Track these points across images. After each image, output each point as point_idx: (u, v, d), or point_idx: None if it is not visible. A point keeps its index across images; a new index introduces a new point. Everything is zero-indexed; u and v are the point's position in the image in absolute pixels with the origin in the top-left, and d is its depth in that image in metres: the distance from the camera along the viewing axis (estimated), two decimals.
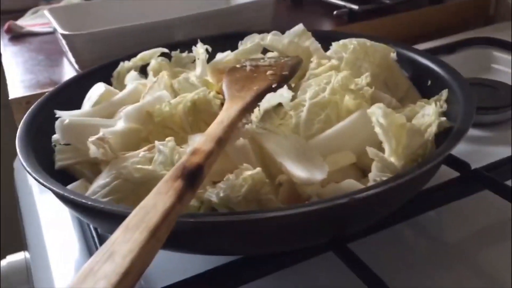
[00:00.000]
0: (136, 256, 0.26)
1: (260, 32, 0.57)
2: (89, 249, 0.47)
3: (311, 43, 0.53)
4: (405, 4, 0.90)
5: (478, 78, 0.69)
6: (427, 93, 0.52)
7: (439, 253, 0.45)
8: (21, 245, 0.62)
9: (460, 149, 0.41)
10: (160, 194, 0.30)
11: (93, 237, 0.46)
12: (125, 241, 0.27)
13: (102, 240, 0.45)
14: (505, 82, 0.67)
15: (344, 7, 0.88)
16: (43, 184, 0.38)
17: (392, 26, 0.87)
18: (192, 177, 0.31)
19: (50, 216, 0.53)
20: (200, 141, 0.35)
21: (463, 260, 0.44)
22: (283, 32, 0.56)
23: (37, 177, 0.38)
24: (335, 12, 0.88)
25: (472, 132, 0.62)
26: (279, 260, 0.40)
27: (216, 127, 0.37)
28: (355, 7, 0.87)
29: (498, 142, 0.60)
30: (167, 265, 0.43)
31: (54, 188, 0.37)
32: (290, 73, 0.48)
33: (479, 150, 0.59)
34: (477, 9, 0.94)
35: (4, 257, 0.59)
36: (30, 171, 0.39)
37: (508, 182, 0.47)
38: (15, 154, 0.69)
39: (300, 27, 0.54)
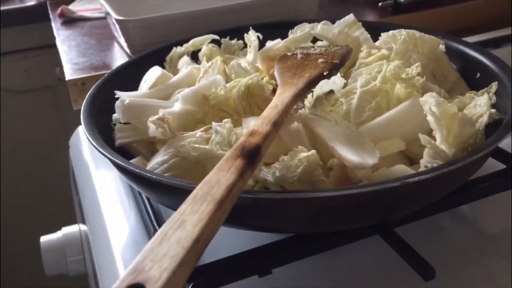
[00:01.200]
0: (205, 225, 0.28)
1: (309, 21, 0.59)
2: (144, 221, 0.49)
3: (361, 33, 0.54)
4: None
5: None
6: (475, 86, 0.52)
7: (478, 243, 0.46)
8: (74, 218, 0.65)
9: (506, 142, 0.42)
10: (223, 171, 0.32)
11: (147, 211, 0.48)
12: (194, 211, 0.29)
13: (156, 213, 0.47)
14: None
15: None
16: (110, 159, 0.41)
17: (437, 18, 0.87)
18: (252, 156, 0.33)
19: (106, 191, 0.56)
20: (256, 124, 0.37)
21: (501, 251, 0.45)
22: (332, 22, 0.57)
23: (105, 153, 0.41)
24: (380, 4, 0.88)
25: None
26: (327, 241, 0.41)
27: (271, 111, 0.39)
28: None
29: None
30: (217, 240, 0.45)
31: (121, 163, 0.40)
32: (341, 61, 0.49)
33: None
34: None
35: (60, 229, 0.63)
36: (97, 147, 0.42)
37: None
38: (68, 133, 0.73)
39: (350, 17, 0.55)
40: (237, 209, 0.33)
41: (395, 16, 0.86)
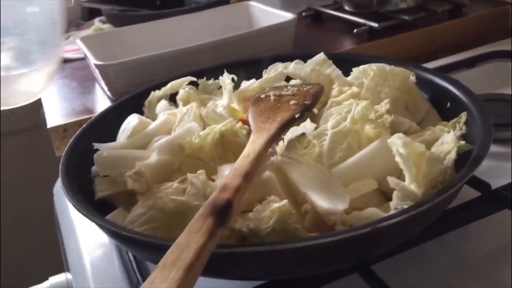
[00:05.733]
0: None
1: (283, 58, 0.60)
2: (128, 272, 0.50)
3: (332, 70, 0.55)
4: (425, 20, 0.91)
5: (497, 94, 0.71)
6: (447, 115, 0.53)
7: (462, 270, 0.46)
8: (62, 267, 0.66)
9: (481, 167, 0.42)
10: (193, 232, 0.32)
11: (130, 261, 0.49)
12: (163, 279, 0.29)
13: (139, 263, 0.48)
14: None
15: (364, 25, 0.90)
16: (86, 216, 0.41)
17: (412, 41, 0.89)
18: (222, 213, 0.34)
19: (89, 240, 0.57)
20: (228, 176, 0.38)
21: (486, 277, 0.45)
22: (305, 58, 0.59)
23: (81, 210, 0.41)
24: (355, 31, 0.90)
25: (493, 148, 0.63)
26: (304, 283, 0.42)
27: (243, 161, 0.40)
28: (374, 24, 0.89)
29: None
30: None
31: (97, 220, 0.41)
32: (312, 101, 0.50)
33: (499, 166, 0.60)
34: (496, 21, 0.95)
35: (47, 279, 0.63)
36: (74, 203, 0.42)
37: None
38: (54, 179, 0.73)
39: (321, 55, 0.56)
40: (210, 262, 0.34)
41: (370, 42, 0.88)
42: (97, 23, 1.15)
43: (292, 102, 0.49)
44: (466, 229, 0.49)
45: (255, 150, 0.41)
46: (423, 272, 0.46)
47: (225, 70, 0.58)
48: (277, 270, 0.39)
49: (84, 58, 0.97)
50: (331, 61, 0.56)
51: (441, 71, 0.74)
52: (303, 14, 1.06)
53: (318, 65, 0.56)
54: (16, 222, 1.26)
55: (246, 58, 0.71)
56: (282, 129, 0.46)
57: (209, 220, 0.33)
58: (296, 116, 0.47)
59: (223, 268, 0.38)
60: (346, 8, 1.00)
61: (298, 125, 0.44)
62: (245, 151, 0.42)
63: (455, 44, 0.90)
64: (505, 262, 0.46)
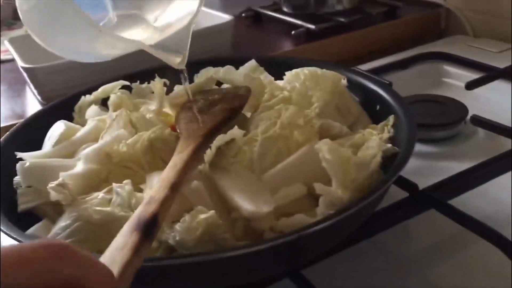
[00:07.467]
0: None
1: (218, 62, 0.60)
2: None
3: (264, 77, 0.55)
4: (360, 22, 0.93)
5: (428, 95, 0.73)
6: (377, 117, 0.54)
7: (394, 269, 0.48)
8: None
9: (412, 165, 0.44)
10: (117, 249, 0.31)
11: None
12: None
13: None
14: (455, 98, 0.70)
15: (302, 26, 0.91)
16: (4, 232, 0.39)
17: (348, 43, 0.90)
18: (148, 228, 0.33)
19: None
20: (155, 188, 0.37)
21: (417, 275, 0.47)
22: (241, 61, 0.58)
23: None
24: (293, 32, 0.90)
25: (423, 148, 0.65)
26: None
27: (169, 172, 0.39)
28: (312, 26, 0.90)
29: (447, 157, 0.64)
30: None
31: (15, 236, 0.39)
32: (240, 104, 0.50)
33: (430, 165, 0.62)
34: (429, 23, 0.98)
35: None
36: None
37: (454, 200, 0.50)
38: None
39: (252, 62, 0.56)
40: (139, 276, 0.33)
41: (308, 43, 0.88)
42: None
43: (218, 107, 0.49)
44: (395, 228, 0.51)
45: (182, 159, 0.41)
46: (355, 272, 0.47)
47: (156, 75, 0.57)
48: (206, 281, 0.38)
49: (14, 60, 0.92)
50: (262, 68, 0.56)
51: (376, 72, 0.76)
52: (243, 14, 1.06)
53: (250, 71, 0.56)
54: None
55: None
56: (209, 136, 0.45)
57: (134, 235, 0.32)
58: (223, 121, 0.47)
59: (151, 282, 0.37)
60: (285, 9, 1.00)
61: (226, 132, 0.44)
62: (172, 161, 0.41)
63: (390, 45, 0.92)
64: (435, 260, 0.48)
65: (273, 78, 0.56)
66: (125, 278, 0.30)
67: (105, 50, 0.47)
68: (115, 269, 0.30)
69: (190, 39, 0.47)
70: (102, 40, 0.42)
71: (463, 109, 0.67)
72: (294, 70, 0.56)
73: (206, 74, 0.57)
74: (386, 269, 0.48)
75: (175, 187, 0.37)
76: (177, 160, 0.40)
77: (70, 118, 0.58)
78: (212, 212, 0.37)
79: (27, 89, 0.83)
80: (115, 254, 0.31)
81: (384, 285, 0.46)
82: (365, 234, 0.48)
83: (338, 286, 0.46)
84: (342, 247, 0.47)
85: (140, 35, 0.49)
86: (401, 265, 0.48)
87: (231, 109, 0.48)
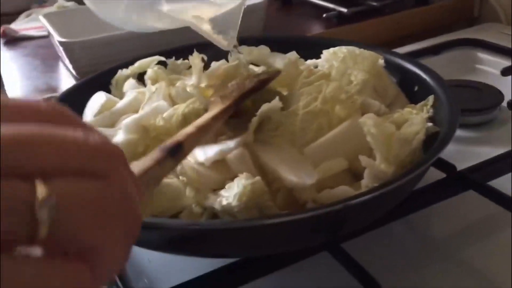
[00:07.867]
0: None
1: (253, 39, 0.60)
2: None
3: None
4: (392, 6, 0.92)
5: (463, 80, 0.72)
6: (414, 98, 0.54)
7: (427, 249, 0.48)
8: None
9: (447, 150, 0.44)
10: (142, 160, 0.30)
11: None
12: None
13: None
14: (489, 84, 0.70)
15: (333, 9, 0.91)
16: None
17: (379, 27, 0.90)
18: (172, 150, 0.32)
19: None
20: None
21: (450, 256, 0.47)
22: (274, 41, 0.58)
23: None
24: (324, 15, 0.90)
25: (459, 133, 0.65)
26: (277, 260, 0.42)
27: (198, 119, 0.39)
28: (343, 9, 0.89)
29: (482, 142, 0.63)
30: (171, 267, 0.45)
31: None
32: (269, 78, 0.49)
33: (465, 150, 0.62)
34: (461, 10, 0.97)
35: None
36: None
37: (492, 182, 0.50)
38: None
39: (293, 53, 0.56)
40: (185, 239, 0.33)
41: (339, 26, 0.88)
42: (60, 0, 1.12)
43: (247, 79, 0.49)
44: (431, 209, 0.51)
45: (210, 113, 0.41)
46: (390, 250, 0.47)
47: (194, 50, 0.57)
48: (248, 248, 0.39)
49: (47, 36, 0.93)
50: (302, 60, 0.56)
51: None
52: None
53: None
54: None
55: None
56: (238, 101, 0.45)
57: (158, 152, 0.31)
58: (251, 90, 0.46)
59: (194, 246, 0.38)
60: None
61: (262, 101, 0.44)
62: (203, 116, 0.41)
63: (421, 31, 0.91)
64: (467, 242, 0.48)
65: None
66: (144, 182, 0.28)
67: (153, 23, 0.47)
68: (135, 170, 0.28)
69: (240, 19, 0.46)
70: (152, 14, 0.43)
71: (499, 94, 0.67)
72: (331, 49, 0.56)
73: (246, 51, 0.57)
74: (417, 249, 0.48)
75: (200, 128, 0.37)
76: (206, 114, 0.41)
77: (107, 91, 0.59)
78: (258, 178, 0.38)
79: (61, 65, 0.84)
80: (136, 163, 0.29)
81: (418, 264, 0.46)
82: (403, 212, 0.48)
83: (372, 261, 0.46)
84: (379, 224, 0.47)
85: (191, 12, 0.49)
86: (432, 247, 0.48)
87: (259, 81, 0.48)
